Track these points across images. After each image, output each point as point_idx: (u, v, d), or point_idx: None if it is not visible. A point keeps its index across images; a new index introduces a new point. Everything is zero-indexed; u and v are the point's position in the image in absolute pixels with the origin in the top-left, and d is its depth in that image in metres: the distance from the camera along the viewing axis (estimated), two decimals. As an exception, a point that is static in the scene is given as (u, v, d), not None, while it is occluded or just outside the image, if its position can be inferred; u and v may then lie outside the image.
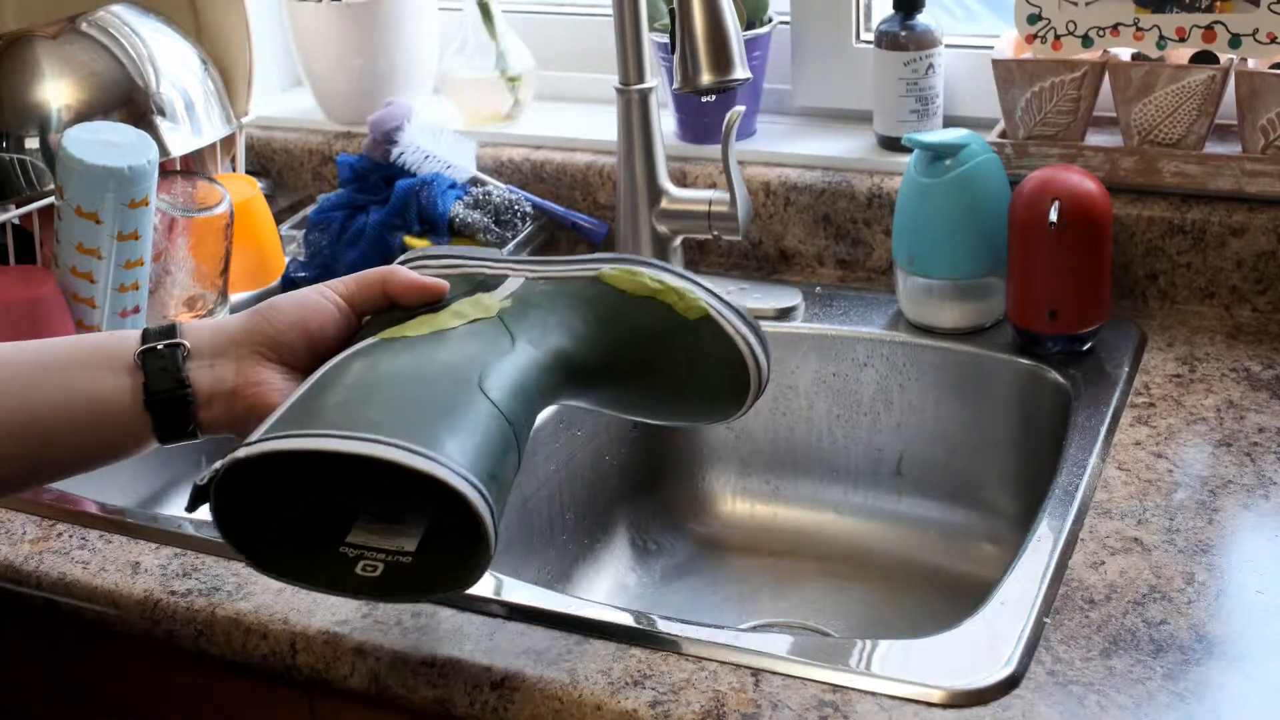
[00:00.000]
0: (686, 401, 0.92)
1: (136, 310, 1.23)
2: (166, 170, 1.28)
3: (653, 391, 0.91)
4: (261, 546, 0.81)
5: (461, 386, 0.81)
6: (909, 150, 1.23)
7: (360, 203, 1.43)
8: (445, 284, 0.90)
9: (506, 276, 0.91)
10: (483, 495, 0.75)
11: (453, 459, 0.75)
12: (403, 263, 0.93)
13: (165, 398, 0.83)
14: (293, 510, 0.83)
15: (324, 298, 0.88)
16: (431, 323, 0.86)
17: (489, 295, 0.89)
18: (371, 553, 0.82)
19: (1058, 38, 1.26)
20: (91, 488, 1.11)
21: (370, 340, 0.86)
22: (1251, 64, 1.22)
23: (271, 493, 0.81)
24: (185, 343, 0.84)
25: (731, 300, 0.91)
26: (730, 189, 1.27)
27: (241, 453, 0.77)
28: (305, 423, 0.78)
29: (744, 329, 0.90)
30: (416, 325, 0.86)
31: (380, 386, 0.80)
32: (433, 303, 0.88)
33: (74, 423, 0.82)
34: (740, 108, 1.26)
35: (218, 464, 0.77)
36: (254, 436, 0.79)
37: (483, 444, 0.78)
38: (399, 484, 0.79)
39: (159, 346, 0.83)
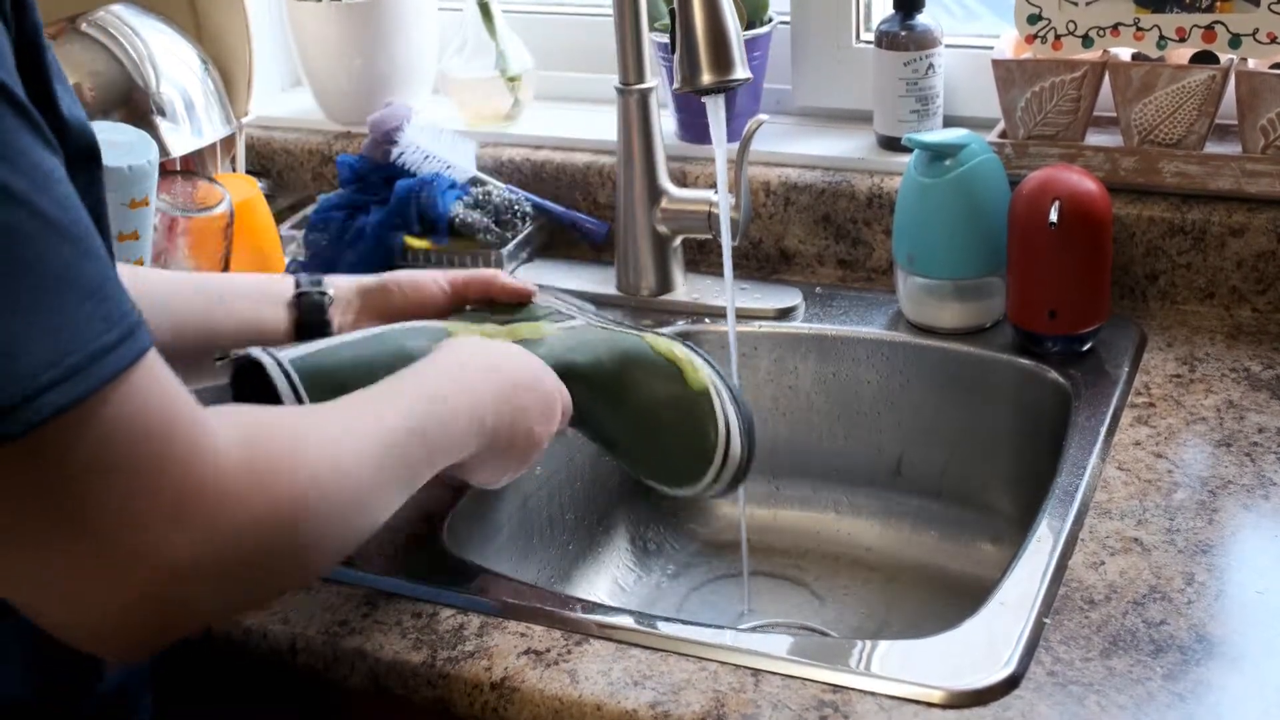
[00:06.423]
0: (657, 453, 1.04)
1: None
2: (166, 170, 1.28)
3: (634, 431, 1.04)
4: None
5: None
6: (909, 150, 1.23)
7: (360, 203, 1.43)
8: (534, 286, 1.09)
9: (574, 318, 1.08)
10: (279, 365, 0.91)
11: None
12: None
13: (313, 332, 1.03)
14: None
15: (437, 286, 1.07)
16: (494, 334, 1.02)
17: (551, 324, 1.06)
18: None
19: (1058, 37, 1.26)
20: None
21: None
22: (1251, 64, 1.22)
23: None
24: (330, 292, 1.05)
25: (739, 395, 1.04)
26: (738, 196, 1.25)
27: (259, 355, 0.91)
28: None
29: (733, 417, 1.03)
30: (482, 333, 1.02)
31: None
32: (522, 304, 1.08)
33: (239, 345, 0.99)
34: (763, 116, 1.24)
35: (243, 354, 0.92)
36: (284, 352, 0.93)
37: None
38: None
39: (313, 292, 1.04)
